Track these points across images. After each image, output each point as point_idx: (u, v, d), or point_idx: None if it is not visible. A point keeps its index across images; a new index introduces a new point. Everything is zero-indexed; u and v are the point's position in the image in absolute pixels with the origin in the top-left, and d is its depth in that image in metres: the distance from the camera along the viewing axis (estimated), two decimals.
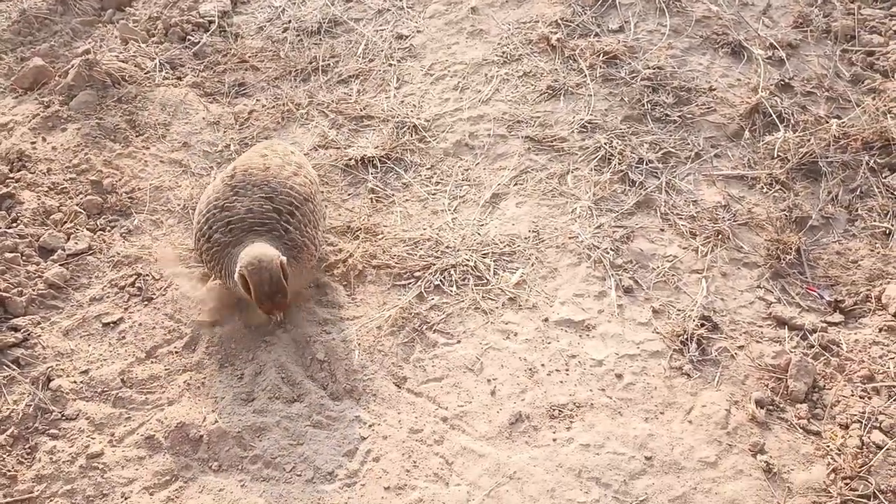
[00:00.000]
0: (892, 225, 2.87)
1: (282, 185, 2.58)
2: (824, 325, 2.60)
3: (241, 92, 3.55)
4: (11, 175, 3.06)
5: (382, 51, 3.69)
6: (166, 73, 3.59)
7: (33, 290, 2.69)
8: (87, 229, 2.92)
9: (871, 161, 3.08)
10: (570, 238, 2.88)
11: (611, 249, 2.83)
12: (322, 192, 2.98)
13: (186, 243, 2.87)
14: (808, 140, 3.12)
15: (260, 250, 2.41)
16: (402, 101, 3.45)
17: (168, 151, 3.23)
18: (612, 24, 3.74)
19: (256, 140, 3.28)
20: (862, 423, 2.32)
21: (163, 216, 2.99)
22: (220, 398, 2.44)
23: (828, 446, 2.28)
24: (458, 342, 2.60)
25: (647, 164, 3.11)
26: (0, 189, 2.97)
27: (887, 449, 2.24)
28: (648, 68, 3.46)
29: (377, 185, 3.10)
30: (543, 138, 3.24)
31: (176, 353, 2.57)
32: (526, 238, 2.90)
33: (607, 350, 2.55)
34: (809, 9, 3.74)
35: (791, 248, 2.79)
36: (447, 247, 2.86)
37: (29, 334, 2.58)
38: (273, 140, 3.03)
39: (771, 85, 3.38)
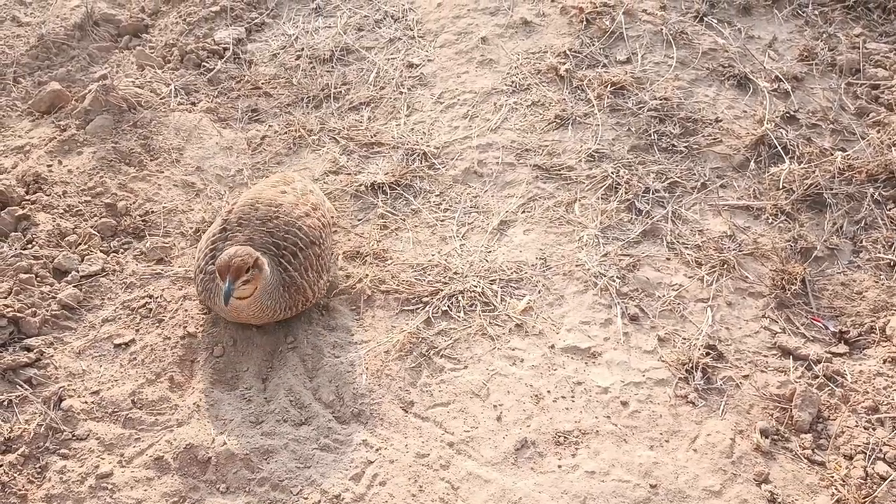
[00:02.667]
0: None
1: (290, 224, 2.62)
2: (829, 355, 2.62)
3: (254, 118, 3.60)
4: (28, 197, 3.11)
5: (393, 79, 3.75)
6: (181, 98, 3.66)
7: (47, 311, 2.73)
8: (101, 251, 2.96)
9: (876, 193, 3.11)
10: (576, 266, 2.91)
11: (617, 277, 2.85)
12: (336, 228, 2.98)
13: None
14: (813, 172, 3.15)
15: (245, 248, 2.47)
16: (412, 129, 3.50)
17: (182, 175, 3.28)
18: (619, 55, 3.79)
19: (268, 165, 3.33)
20: (866, 454, 2.32)
21: (175, 239, 3.03)
22: (229, 420, 2.46)
23: (832, 477, 2.29)
24: (465, 367, 2.62)
25: (653, 194, 3.15)
26: (16, 211, 3.02)
27: (891, 480, 2.25)
28: (655, 99, 3.51)
29: (387, 211, 3.14)
30: (551, 167, 3.28)
31: (186, 374, 2.60)
32: (533, 265, 2.93)
33: (613, 377, 2.56)
34: (815, 42, 3.79)
35: (796, 279, 2.81)
36: (455, 273, 2.89)
37: (42, 354, 2.62)
38: (294, 174, 3.01)
39: (776, 117, 3.42)
